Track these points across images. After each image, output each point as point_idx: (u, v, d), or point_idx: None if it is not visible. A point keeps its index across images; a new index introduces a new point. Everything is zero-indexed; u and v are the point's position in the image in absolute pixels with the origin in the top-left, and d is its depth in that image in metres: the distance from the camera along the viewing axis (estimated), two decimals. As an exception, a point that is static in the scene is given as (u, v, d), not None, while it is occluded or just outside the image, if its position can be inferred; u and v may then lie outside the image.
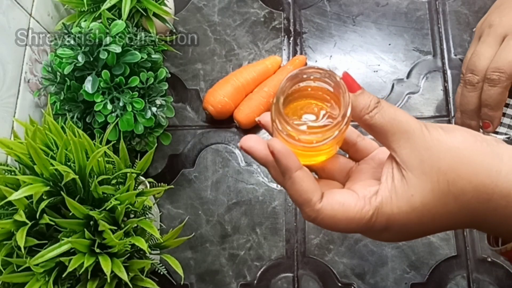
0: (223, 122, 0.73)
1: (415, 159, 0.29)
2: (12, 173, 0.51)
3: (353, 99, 0.30)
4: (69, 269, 0.44)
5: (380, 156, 0.35)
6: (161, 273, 0.53)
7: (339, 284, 0.64)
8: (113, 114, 0.58)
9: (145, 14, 0.67)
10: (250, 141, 0.32)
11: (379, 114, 0.30)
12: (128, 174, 0.50)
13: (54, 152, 0.50)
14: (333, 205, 0.30)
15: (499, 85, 0.55)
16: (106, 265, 0.45)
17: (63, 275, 0.45)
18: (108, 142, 0.56)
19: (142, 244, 0.47)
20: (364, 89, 0.31)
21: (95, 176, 0.48)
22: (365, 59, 0.76)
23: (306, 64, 0.76)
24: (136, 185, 0.53)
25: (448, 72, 0.74)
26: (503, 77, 0.54)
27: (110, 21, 0.61)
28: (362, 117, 0.31)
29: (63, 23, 0.66)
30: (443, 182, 0.29)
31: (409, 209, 0.30)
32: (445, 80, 0.74)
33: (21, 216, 0.44)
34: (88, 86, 0.57)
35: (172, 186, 0.69)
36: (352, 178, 0.35)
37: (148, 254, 0.50)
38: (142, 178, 0.58)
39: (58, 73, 0.61)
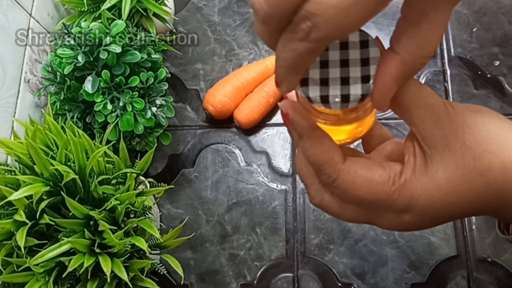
0: (223, 122, 0.73)
1: (439, 134, 0.27)
2: (12, 173, 0.51)
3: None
4: (69, 269, 0.44)
5: (391, 146, 0.33)
6: (161, 273, 0.53)
7: (339, 284, 0.64)
8: (113, 114, 0.58)
9: (145, 14, 0.67)
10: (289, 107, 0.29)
11: (404, 87, 0.28)
12: (128, 174, 0.50)
13: (54, 152, 0.50)
14: (357, 168, 0.28)
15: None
16: (106, 265, 0.45)
17: (63, 275, 0.45)
18: (108, 142, 0.56)
19: (142, 244, 0.47)
20: None
21: (95, 176, 0.48)
22: (365, 59, 0.75)
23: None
24: (136, 185, 0.53)
25: (448, 72, 0.74)
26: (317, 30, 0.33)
27: (110, 21, 0.61)
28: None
29: (63, 23, 0.66)
30: (468, 157, 0.27)
31: (434, 186, 0.28)
32: (445, 80, 0.73)
33: (21, 216, 0.44)
34: (88, 86, 0.57)
35: (172, 186, 0.69)
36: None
37: (148, 254, 0.50)
38: (142, 178, 0.58)
39: (58, 73, 0.61)
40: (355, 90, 0.25)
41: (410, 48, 0.24)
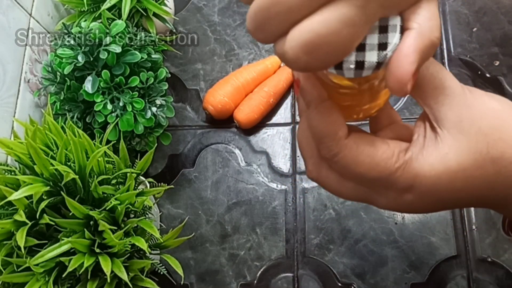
0: (223, 122, 0.73)
1: (454, 117, 0.27)
2: (12, 173, 0.51)
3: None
4: (69, 269, 0.44)
5: (399, 129, 0.31)
6: (161, 273, 0.53)
7: (339, 284, 0.64)
8: (113, 114, 0.58)
9: (145, 14, 0.67)
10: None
11: (423, 67, 0.27)
12: (128, 174, 0.50)
13: (54, 152, 0.50)
14: (360, 144, 0.27)
15: None
16: (106, 265, 0.45)
17: (63, 275, 0.45)
18: (108, 142, 0.56)
19: (142, 244, 0.47)
20: None
21: (95, 176, 0.48)
22: (365, 59, 0.75)
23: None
24: (136, 185, 0.53)
25: (448, 72, 0.74)
26: None
27: (110, 21, 0.61)
28: None
29: (63, 23, 0.66)
30: (483, 143, 0.26)
31: (442, 168, 0.27)
32: (445, 80, 0.73)
33: (21, 216, 0.44)
34: (88, 86, 0.57)
35: (172, 186, 0.69)
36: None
37: (148, 254, 0.50)
38: (142, 178, 0.58)
39: (58, 73, 0.61)
40: (371, 57, 0.24)
41: (420, 20, 0.24)
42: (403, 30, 0.24)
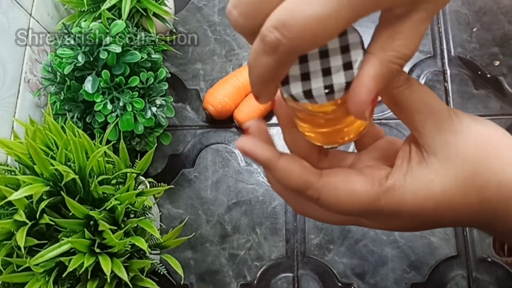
0: (223, 122, 0.73)
1: (441, 142, 0.27)
2: (12, 173, 0.51)
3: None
4: (69, 269, 0.44)
5: (383, 145, 0.32)
6: (161, 273, 0.53)
7: (339, 284, 0.64)
8: (113, 114, 0.58)
9: (145, 14, 0.67)
10: (247, 144, 0.29)
11: (409, 91, 0.27)
12: (128, 174, 0.50)
13: (54, 152, 0.50)
14: (336, 183, 0.27)
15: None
16: (106, 265, 0.45)
17: (63, 275, 0.45)
18: (108, 142, 0.56)
19: (142, 244, 0.47)
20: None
21: (95, 176, 0.48)
22: (365, 59, 0.76)
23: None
24: (136, 185, 0.53)
25: (448, 72, 0.74)
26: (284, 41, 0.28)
27: (110, 21, 0.61)
28: (390, 91, 0.27)
29: (63, 23, 0.66)
30: (468, 171, 0.26)
31: (426, 195, 0.27)
32: (445, 80, 0.73)
33: (21, 216, 0.44)
34: (88, 86, 0.57)
35: (172, 186, 0.69)
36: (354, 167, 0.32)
37: (148, 254, 0.50)
38: (142, 178, 0.58)
39: (58, 73, 0.61)
40: (339, 78, 0.24)
41: (386, 48, 0.24)
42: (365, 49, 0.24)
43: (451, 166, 0.27)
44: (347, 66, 0.24)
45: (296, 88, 0.25)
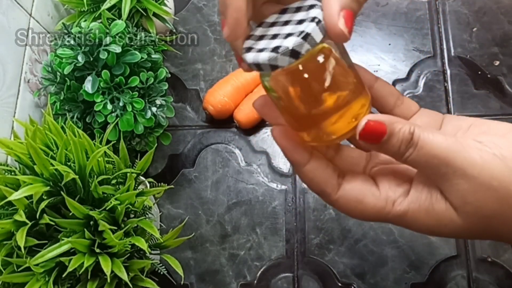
0: (223, 122, 0.73)
1: (458, 199, 0.27)
2: (12, 173, 0.51)
3: (380, 147, 0.27)
4: (69, 269, 0.44)
5: (395, 172, 0.32)
6: (161, 273, 0.53)
7: (339, 284, 0.64)
8: (113, 114, 0.58)
9: (145, 14, 0.67)
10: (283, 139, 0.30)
11: (415, 155, 0.26)
12: (128, 174, 0.50)
13: (54, 152, 0.50)
14: (350, 200, 0.29)
15: None
16: (106, 265, 0.45)
17: (63, 275, 0.45)
18: (108, 142, 0.56)
19: (142, 244, 0.47)
20: (389, 131, 0.26)
21: (95, 176, 0.48)
22: (365, 59, 0.76)
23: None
24: (136, 185, 0.53)
25: (448, 72, 0.74)
26: None
27: (110, 21, 0.61)
28: (396, 161, 0.28)
29: (63, 23, 0.66)
30: (484, 223, 0.27)
31: (435, 229, 0.28)
32: (445, 80, 0.74)
33: (21, 216, 0.44)
34: (88, 86, 0.57)
35: (172, 186, 0.69)
36: (375, 160, 0.33)
37: (148, 254, 0.50)
38: (142, 178, 0.58)
39: (58, 73, 0.61)
40: (292, 37, 0.24)
41: None
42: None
43: (468, 220, 0.27)
44: (300, 22, 0.25)
45: (260, 55, 0.25)
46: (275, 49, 0.24)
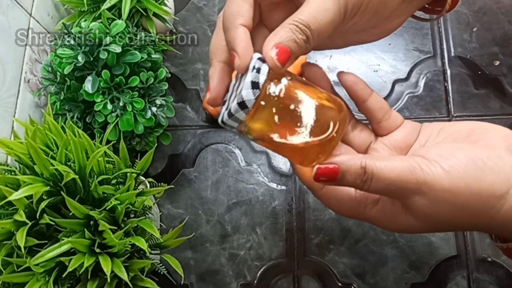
0: (223, 122, 0.73)
1: (418, 213, 0.30)
2: (12, 173, 0.51)
3: (339, 183, 0.31)
4: (69, 269, 0.44)
5: (395, 137, 0.36)
6: (161, 273, 0.53)
7: (339, 284, 0.64)
8: (113, 114, 0.58)
9: (145, 14, 0.67)
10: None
11: (373, 186, 0.30)
12: (128, 174, 0.50)
13: (54, 152, 0.50)
14: (330, 198, 0.35)
15: None
16: (106, 265, 0.45)
17: (63, 275, 0.45)
18: (108, 142, 0.56)
19: (142, 244, 0.47)
20: (342, 170, 0.30)
21: (95, 176, 0.48)
22: (365, 59, 0.75)
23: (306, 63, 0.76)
24: (136, 185, 0.53)
25: (448, 72, 0.74)
26: None
27: (110, 21, 0.61)
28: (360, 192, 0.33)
29: (63, 23, 0.66)
30: (445, 226, 0.31)
31: (400, 232, 0.34)
32: (445, 80, 0.73)
33: (21, 216, 0.44)
34: (88, 86, 0.57)
35: (172, 186, 0.69)
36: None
37: (148, 254, 0.50)
38: (142, 178, 0.58)
39: (58, 73, 0.61)
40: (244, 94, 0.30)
41: (287, 20, 0.30)
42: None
43: (429, 227, 0.31)
44: (254, 85, 0.30)
45: (224, 115, 0.33)
46: (230, 110, 0.32)
